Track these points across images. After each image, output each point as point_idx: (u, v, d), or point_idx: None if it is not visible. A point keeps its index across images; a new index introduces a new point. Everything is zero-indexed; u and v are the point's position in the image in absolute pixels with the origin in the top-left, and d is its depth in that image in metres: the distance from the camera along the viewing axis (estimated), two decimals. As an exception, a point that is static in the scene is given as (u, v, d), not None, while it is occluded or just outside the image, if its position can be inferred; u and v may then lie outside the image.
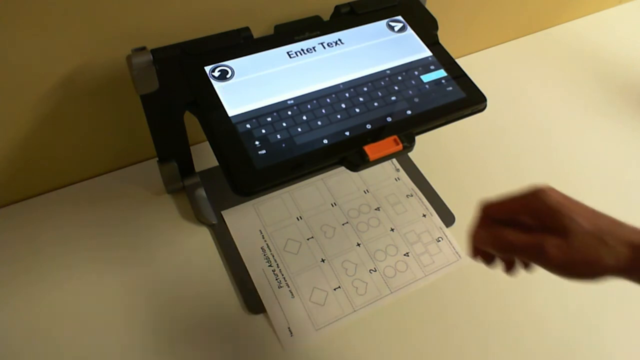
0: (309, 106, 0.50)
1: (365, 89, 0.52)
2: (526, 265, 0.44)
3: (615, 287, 0.64)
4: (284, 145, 0.47)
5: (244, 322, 0.57)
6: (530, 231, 0.40)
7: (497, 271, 0.64)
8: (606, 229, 0.38)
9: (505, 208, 0.42)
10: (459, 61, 0.57)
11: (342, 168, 0.48)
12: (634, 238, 0.37)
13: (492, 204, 0.43)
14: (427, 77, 0.54)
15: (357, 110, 0.50)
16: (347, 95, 0.51)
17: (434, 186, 0.71)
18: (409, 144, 0.49)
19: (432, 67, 0.55)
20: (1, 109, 0.54)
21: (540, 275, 0.64)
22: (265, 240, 0.63)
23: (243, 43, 0.53)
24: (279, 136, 0.47)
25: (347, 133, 0.49)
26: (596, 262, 0.37)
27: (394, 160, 0.74)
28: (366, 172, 0.71)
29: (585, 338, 0.60)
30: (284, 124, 0.48)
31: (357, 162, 0.47)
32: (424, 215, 0.68)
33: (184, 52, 0.50)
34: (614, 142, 0.81)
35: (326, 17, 0.58)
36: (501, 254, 0.42)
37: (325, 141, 0.48)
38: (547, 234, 0.39)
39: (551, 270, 0.40)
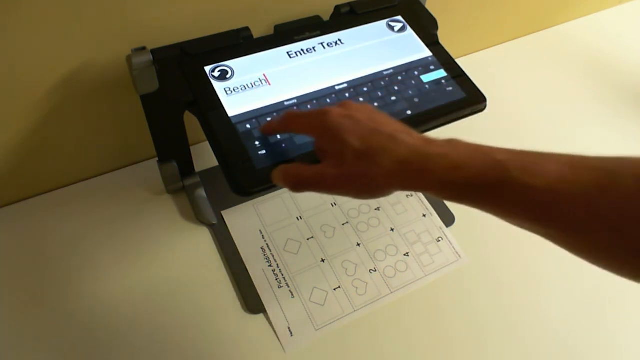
0: (309, 106, 0.50)
1: (365, 89, 0.52)
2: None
3: (618, 288, 0.64)
4: (284, 145, 0.47)
5: (244, 322, 0.57)
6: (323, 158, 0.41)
7: (498, 271, 0.64)
8: (379, 148, 0.38)
9: (300, 121, 0.43)
10: (459, 61, 0.57)
11: (342, 168, 0.48)
12: (402, 154, 0.37)
13: (293, 114, 0.45)
14: (427, 77, 0.54)
15: (357, 110, 0.50)
16: (347, 95, 0.51)
17: (434, 186, 0.71)
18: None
19: (432, 67, 0.55)
20: (1, 108, 0.54)
21: (541, 275, 0.64)
22: (265, 240, 0.63)
23: (243, 43, 0.53)
24: (278, 136, 0.47)
25: (347, 133, 0.49)
26: (372, 184, 0.38)
27: (394, 160, 0.74)
28: (366, 172, 0.71)
29: (586, 339, 0.60)
30: (284, 124, 0.48)
31: (357, 162, 0.47)
32: (424, 215, 0.68)
33: (184, 52, 0.50)
34: (613, 143, 0.81)
35: (326, 17, 0.58)
36: (291, 188, 0.42)
37: (325, 141, 0.48)
38: (328, 160, 0.40)
39: (337, 194, 0.41)
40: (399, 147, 0.38)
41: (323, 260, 0.62)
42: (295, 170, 0.42)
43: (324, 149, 0.41)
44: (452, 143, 0.37)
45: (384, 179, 0.38)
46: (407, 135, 0.39)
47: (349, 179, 0.39)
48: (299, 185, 0.42)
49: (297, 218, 0.65)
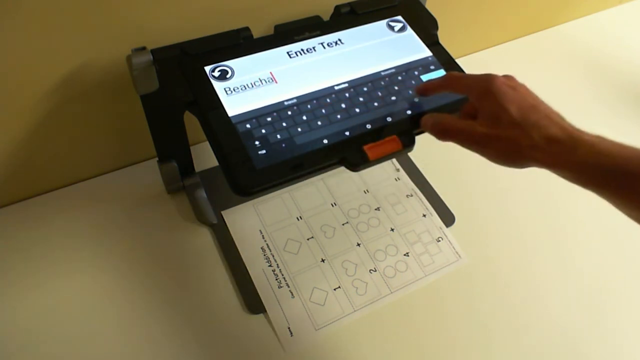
0: (309, 106, 0.50)
1: (365, 89, 0.52)
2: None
3: (617, 287, 0.64)
4: (284, 145, 0.47)
5: (244, 322, 0.57)
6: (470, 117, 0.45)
7: (497, 271, 0.64)
8: (534, 122, 0.41)
9: (463, 82, 0.47)
10: (459, 61, 0.57)
11: (342, 168, 0.48)
12: (554, 132, 0.40)
13: (455, 74, 0.48)
14: (427, 77, 0.54)
15: (357, 110, 0.50)
16: (347, 95, 0.51)
17: (434, 186, 0.71)
18: (409, 144, 0.49)
19: (432, 67, 0.55)
20: (1, 109, 0.54)
21: (540, 275, 0.64)
22: (265, 240, 0.63)
23: (243, 43, 0.53)
24: (279, 136, 0.47)
25: (347, 133, 0.49)
26: (516, 151, 0.41)
27: (394, 160, 0.74)
28: (366, 172, 0.71)
29: (588, 337, 0.60)
30: (284, 124, 0.48)
31: (357, 162, 0.47)
32: (424, 215, 0.68)
33: (184, 52, 0.50)
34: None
35: (326, 17, 0.58)
36: (438, 135, 0.47)
37: (325, 141, 0.48)
38: (480, 119, 0.43)
39: (479, 151, 0.44)
40: (551, 126, 0.41)
41: (323, 260, 0.62)
42: (446, 119, 0.46)
43: (476, 110, 0.44)
44: (600, 136, 0.40)
45: (530, 150, 0.41)
46: (561, 119, 0.42)
47: (497, 140, 0.42)
48: (446, 133, 0.45)
49: (297, 218, 0.65)
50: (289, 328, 0.56)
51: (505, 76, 0.46)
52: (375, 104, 0.51)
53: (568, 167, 0.40)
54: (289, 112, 0.49)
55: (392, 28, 0.58)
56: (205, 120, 0.47)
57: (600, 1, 1.04)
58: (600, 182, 0.39)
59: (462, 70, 0.55)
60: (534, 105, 0.42)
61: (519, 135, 0.41)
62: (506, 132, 0.41)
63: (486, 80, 0.44)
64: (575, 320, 0.61)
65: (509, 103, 0.42)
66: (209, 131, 0.47)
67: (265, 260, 0.61)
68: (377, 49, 0.56)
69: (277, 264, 0.61)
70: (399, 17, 0.59)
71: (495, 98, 0.42)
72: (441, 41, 0.58)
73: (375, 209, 0.68)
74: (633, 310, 0.63)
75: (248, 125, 0.47)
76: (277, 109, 0.49)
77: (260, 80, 0.51)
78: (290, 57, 0.53)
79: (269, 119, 0.48)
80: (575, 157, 0.39)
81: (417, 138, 0.50)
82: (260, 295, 0.58)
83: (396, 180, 0.71)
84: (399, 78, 0.54)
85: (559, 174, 0.41)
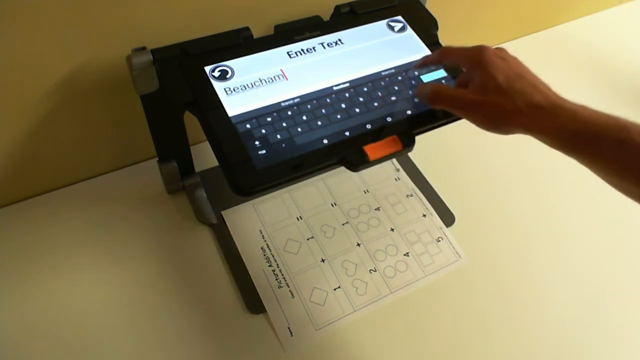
0: (308, 106, 0.50)
1: (365, 89, 0.52)
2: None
3: (617, 285, 0.64)
4: (284, 145, 0.47)
5: (244, 322, 0.57)
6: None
7: (497, 271, 0.64)
8: (519, 89, 0.43)
9: (456, 53, 0.49)
10: (459, 61, 0.57)
11: (342, 168, 0.48)
12: (537, 99, 0.42)
13: (449, 47, 0.51)
14: (427, 77, 0.54)
15: (357, 110, 0.50)
16: (347, 95, 0.51)
17: (434, 186, 0.71)
18: (409, 144, 0.49)
19: (432, 67, 0.55)
20: (1, 108, 0.54)
21: (540, 274, 0.64)
22: (265, 240, 0.63)
23: (243, 43, 0.53)
24: (279, 136, 0.47)
25: (347, 133, 0.49)
26: (501, 116, 0.44)
27: (394, 160, 0.74)
28: (366, 172, 0.71)
29: (589, 336, 0.60)
30: (284, 124, 0.48)
31: (357, 162, 0.47)
32: (424, 215, 0.68)
33: (184, 52, 0.50)
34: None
35: (326, 17, 0.58)
36: (430, 101, 0.49)
37: (325, 141, 0.48)
38: (470, 88, 0.46)
39: (466, 116, 0.46)
40: (535, 94, 0.43)
41: (323, 260, 0.62)
42: (438, 86, 0.49)
43: (469, 79, 0.47)
44: (582, 105, 0.42)
45: (514, 115, 0.43)
46: (546, 88, 0.44)
47: (484, 106, 0.44)
48: (437, 99, 0.48)
49: (297, 218, 0.65)
50: (289, 328, 0.56)
51: (497, 48, 0.48)
52: (375, 104, 0.51)
53: (549, 132, 0.42)
54: (289, 112, 0.49)
55: (392, 28, 0.58)
56: (205, 120, 0.47)
57: (600, 1, 1.04)
58: (579, 147, 0.41)
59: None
60: (520, 74, 0.44)
61: (504, 101, 0.43)
62: (492, 98, 0.44)
63: (478, 51, 0.46)
64: (575, 320, 0.61)
65: (497, 72, 0.44)
66: (209, 131, 0.47)
67: (265, 260, 0.61)
68: (377, 49, 0.56)
69: (277, 264, 0.61)
70: (399, 17, 0.59)
71: (485, 67, 0.45)
72: (441, 41, 0.58)
73: (375, 209, 0.68)
74: (634, 309, 0.63)
75: (248, 125, 0.47)
76: (277, 109, 0.49)
77: (260, 80, 0.51)
78: (291, 57, 0.53)
79: (269, 119, 0.48)
80: (555, 124, 0.41)
81: (417, 138, 0.50)
82: (260, 295, 0.58)
83: (396, 180, 0.71)
84: (399, 78, 0.54)
85: (540, 139, 0.43)
